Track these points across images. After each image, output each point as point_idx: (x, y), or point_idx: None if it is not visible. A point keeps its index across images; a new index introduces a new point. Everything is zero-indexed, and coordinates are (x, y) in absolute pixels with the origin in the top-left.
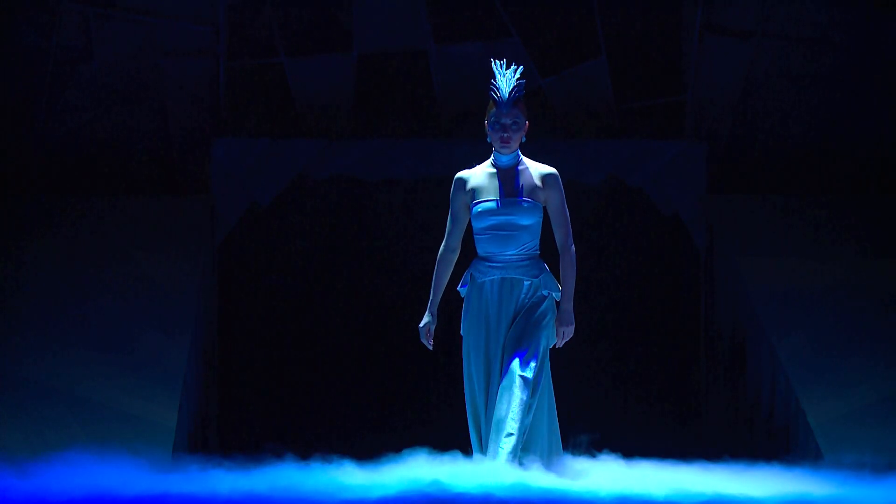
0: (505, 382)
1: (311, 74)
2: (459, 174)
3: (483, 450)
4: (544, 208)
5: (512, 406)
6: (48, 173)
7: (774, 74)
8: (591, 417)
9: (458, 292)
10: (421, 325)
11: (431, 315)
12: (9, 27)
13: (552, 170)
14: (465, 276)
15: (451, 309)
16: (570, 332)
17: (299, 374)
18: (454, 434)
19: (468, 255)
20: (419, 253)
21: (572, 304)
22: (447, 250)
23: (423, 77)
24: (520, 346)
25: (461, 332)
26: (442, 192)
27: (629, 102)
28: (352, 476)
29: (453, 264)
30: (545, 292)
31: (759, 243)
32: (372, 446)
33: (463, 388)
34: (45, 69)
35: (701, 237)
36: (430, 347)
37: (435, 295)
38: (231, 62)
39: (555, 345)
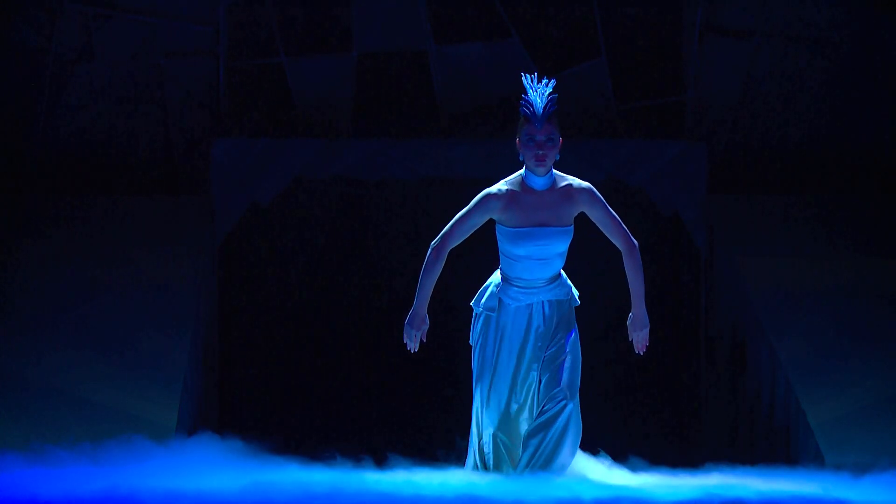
0: (554, 406)
1: (310, 75)
2: (492, 192)
3: (498, 465)
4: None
5: (568, 431)
6: (49, 173)
7: (774, 74)
8: (590, 418)
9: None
10: (412, 325)
11: (424, 318)
12: (9, 27)
13: (586, 185)
14: (492, 299)
15: (450, 305)
16: (646, 333)
17: (299, 374)
18: (457, 433)
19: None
20: (419, 253)
21: (644, 306)
22: (444, 253)
23: (423, 77)
24: (561, 368)
25: (473, 342)
26: (442, 192)
27: (629, 102)
28: (367, 477)
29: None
30: (575, 302)
31: (760, 243)
32: (372, 445)
33: (476, 403)
34: (45, 69)
35: (701, 237)
36: (414, 351)
37: (427, 296)
38: (231, 62)
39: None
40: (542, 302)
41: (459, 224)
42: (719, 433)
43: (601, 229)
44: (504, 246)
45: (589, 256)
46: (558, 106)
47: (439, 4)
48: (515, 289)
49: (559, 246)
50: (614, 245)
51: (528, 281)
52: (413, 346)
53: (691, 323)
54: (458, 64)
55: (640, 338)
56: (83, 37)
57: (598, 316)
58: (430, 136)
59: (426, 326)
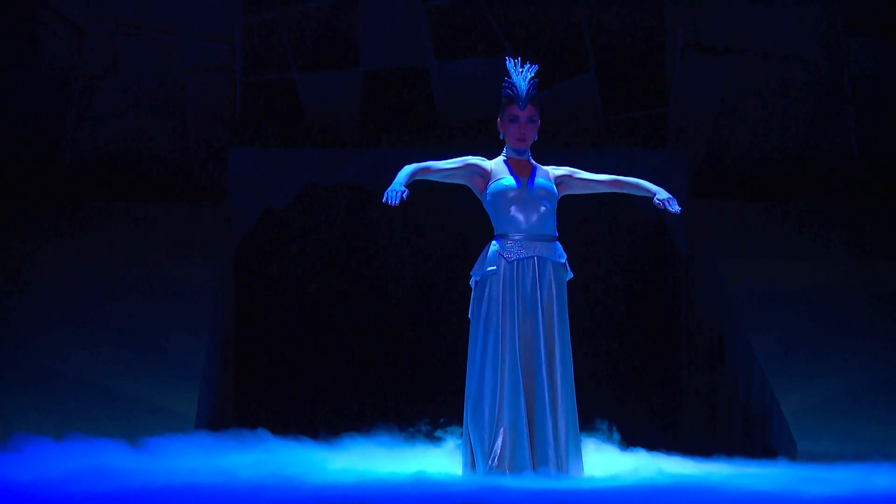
0: (556, 399)
1: (320, 89)
2: (482, 158)
3: (505, 446)
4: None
5: (569, 420)
6: (78, 181)
7: (751, 88)
8: (578, 407)
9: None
10: (399, 189)
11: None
12: (41, 46)
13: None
14: (492, 258)
15: (453, 299)
16: (669, 195)
17: (309, 368)
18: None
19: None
20: (419, 253)
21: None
22: (416, 177)
23: (425, 91)
24: (557, 349)
25: (476, 313)
26: (442, 199)
27: (616, 114)
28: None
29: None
30: (569, 274)
31: (737, 246)
32: (381, 439)
33: (476, 376)
34: (74, 84)
35: (682, 240)
36: (394, 203)
37: (411, 178)
38: (246, 77)
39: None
40: (541, 259)
41: (442, 166)
42: (699, 421)
43: (593, 188)
44: (493, 198)
45: (576, 257)
46: (538, 90)
47: (440, 23)
48: (513, 243)
49: (544, 186)
50: (601, 246)
51: (525, 229)
52: (395, 200)
53: (673, 319)
54: (457, 78)
55: (670, 200)
56: (110, 54)
57: (585, 313)
58: (431, 146)
59: (406, 190)
